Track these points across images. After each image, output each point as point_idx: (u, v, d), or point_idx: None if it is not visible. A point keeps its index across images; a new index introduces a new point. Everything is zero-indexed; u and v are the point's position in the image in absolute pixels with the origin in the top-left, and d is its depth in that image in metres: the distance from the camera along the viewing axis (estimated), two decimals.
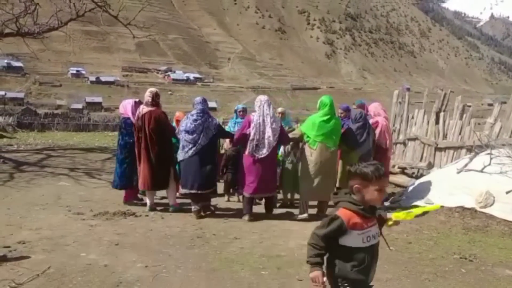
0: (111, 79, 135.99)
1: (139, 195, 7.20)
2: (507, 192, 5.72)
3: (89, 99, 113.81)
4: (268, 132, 6.05)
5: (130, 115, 6.77)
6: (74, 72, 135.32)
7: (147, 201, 6.62)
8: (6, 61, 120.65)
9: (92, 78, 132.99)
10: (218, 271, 4.03)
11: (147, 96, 6.50)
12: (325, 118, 6.19)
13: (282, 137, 6.25)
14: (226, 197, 7.53)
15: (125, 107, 6.94)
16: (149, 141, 6.35)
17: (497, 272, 4.09)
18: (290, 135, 6.48)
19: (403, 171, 9.56)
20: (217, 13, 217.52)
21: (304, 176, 6.25)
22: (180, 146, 6.30)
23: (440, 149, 9.04)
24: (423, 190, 6.97)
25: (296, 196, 7.60)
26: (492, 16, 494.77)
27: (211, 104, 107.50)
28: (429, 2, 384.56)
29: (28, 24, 13.83)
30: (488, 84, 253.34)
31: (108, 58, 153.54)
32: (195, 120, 6.21)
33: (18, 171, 10.17)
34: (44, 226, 5.43)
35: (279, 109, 8.59)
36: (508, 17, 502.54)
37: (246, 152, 6.10)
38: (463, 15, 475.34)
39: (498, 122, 7.71)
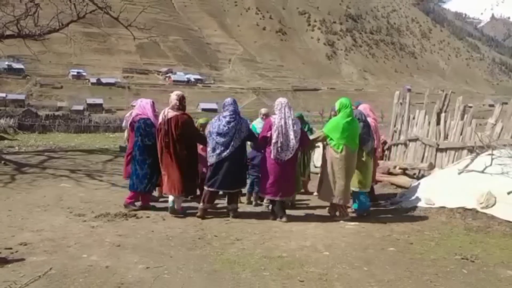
0: (112, 80, 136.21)
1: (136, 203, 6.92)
2: (509, 193, 5.71)
3: (90, 100, 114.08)
4: (291, 135, 6.06)
5: (151, 115, 6.62)
6: (75, 73, 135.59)
7: (174, 204, 6.31)
8: (7, 63, 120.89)
9: (93, 80, 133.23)
10: (219, 272, 4.03)
11: (173, 100, 6.29)
12: (349, 119, 6.20)
13: (303, 140, 6.27)
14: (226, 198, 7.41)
15: (144, 107, 6.74)
16: (177, 145, 6.16)
17: (499, 273, 4.09)
18: (311, 136, 6.45)
19: (404, 172, 9.55)
20: (218, 14, 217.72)
21: (332, 179, 6.22)
22: (210, 148, 6.17)
23: (441, 150, 9.03)
24: (424, 191, 6.97)
25: (297, 197, 7.62)
26: (493, 17, 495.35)
27: (212, 105, 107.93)
28: (430, 3, 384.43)
29: (29, 26, 13.84)
30: (489, 85, 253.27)
31: (109, 60, 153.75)
32: (229, 122, 6.11)
33: (19, 172, 10.18)
34: (45, 228, 5.43)
35: (263, 111, 8.35)
36: (509, 17, 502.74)
37: (272, 156, 6.05)
38: (463, 15, 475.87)
39: (499, 123, 7.69)
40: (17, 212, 6.31)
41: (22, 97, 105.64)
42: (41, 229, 5.38)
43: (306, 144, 6.55)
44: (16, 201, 7.16)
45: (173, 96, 6.37)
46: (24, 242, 4.74)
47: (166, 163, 6.25)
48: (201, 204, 6.22)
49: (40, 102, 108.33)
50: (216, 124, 6.18)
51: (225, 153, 6.06)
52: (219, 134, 6.09)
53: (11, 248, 4.52)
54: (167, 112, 6.26)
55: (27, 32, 13.71)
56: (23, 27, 13.58)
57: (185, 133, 6.24)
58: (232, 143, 6.08)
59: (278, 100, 6.37)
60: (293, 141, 6.04)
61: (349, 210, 6.55)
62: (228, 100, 6.37)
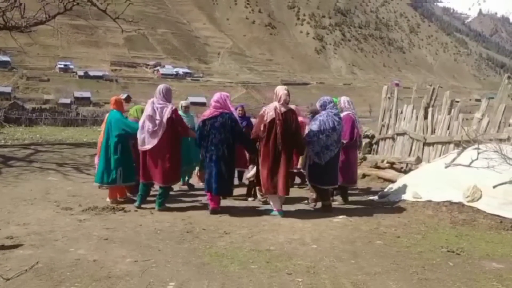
0: (99, 73, 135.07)
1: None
2: (494, 187, 5.78)
3: (77, 93, 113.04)
4: (360, 128, 6.85)
5: (233, 110, 6.27)
6: (62, 66, 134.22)
7: (275, 206, 6.10)
8: None
9: (81, 73, 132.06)
10: (207, 266, 4.03)
11: (284, 95, 6.00)
12: None
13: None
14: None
15: (225, 101, 6.20)
16: (288, 142, 5.92)
17: (484, 265, 4.14)
18: None
19: (391, 165, 9.63)
20: (207, 7, 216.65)
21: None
22: (321, 146, 6.08)
23: (429, 144, 9.11)
24: (412, 184, 7.02)
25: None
26: (480, 12, 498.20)
27: (201, 99, 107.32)
28: (422, 2, 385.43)
29: (15, 18, 13.67)
30: (476, 80, 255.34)
31: (96, 53, 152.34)
32: (340, 118, 6.30)
33: (6, 166, 10.08)
34: (32, 221, 5.40)
35: (183, 103, 8.38)
36: (496, 13, 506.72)
37: (361, 147, 6.71)
38: (451, 11, 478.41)
39: (486, 117, 7.78)
40: (4, 205, 6.26)
41: (8, 89, 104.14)
42: (28, 222, 5.34)
43: None
44: (2, 194, 7.10)
45: (283, 92, 6.08)
46: (11, 236, 4.71)
47: (279, 162, 5.92)
48: (325, 202, 6.36)
49: (26, 95, 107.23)
50: (330, 122, 6.13)
51: (337, 149, 6.25)
52: (334, 131, 6.14)
53: None
54: (280, 107, 5.97)
55: (13, 24, 13.54)
56: (9, 18, 13.42)
57: (298, 128, 6.11)
58: (340, 138, 6.34)
59: (344, 99, 7.02)
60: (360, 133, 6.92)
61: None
62: (328, 98, 6.45)
